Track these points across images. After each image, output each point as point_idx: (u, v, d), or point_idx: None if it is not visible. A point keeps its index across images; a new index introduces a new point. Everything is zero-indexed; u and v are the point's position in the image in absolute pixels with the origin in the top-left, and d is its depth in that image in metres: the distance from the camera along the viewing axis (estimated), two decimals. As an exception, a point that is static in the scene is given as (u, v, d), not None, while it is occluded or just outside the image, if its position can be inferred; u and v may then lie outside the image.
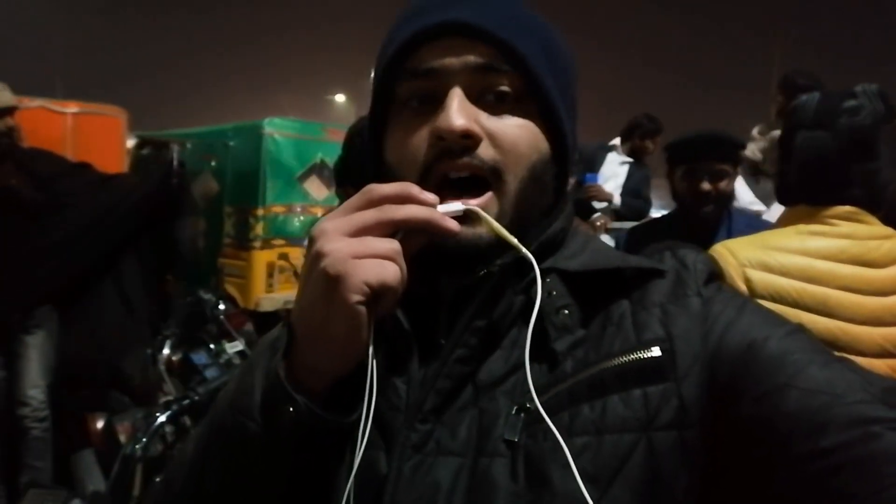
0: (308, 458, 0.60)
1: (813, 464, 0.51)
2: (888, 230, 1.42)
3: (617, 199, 4.30)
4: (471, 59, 0.64)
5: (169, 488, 0.71)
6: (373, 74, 0.75)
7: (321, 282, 0.56)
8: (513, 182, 0.65)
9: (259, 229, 5.41)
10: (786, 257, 1.38)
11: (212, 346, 2.98)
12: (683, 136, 2.42)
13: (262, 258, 5.43)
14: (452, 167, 0.64)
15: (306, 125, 5.93)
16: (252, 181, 5.45)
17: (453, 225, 0.60)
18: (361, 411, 0.58)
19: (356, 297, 0.55)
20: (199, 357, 2.88)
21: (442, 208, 0.61)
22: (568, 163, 0.72)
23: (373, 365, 0.59)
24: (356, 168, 1.76)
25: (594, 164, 4.75)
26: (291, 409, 0.57)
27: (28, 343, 3.07)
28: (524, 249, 0.62)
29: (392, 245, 0.58)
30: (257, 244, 5.41)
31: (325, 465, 0.61)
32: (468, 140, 0.63)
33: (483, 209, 0.63)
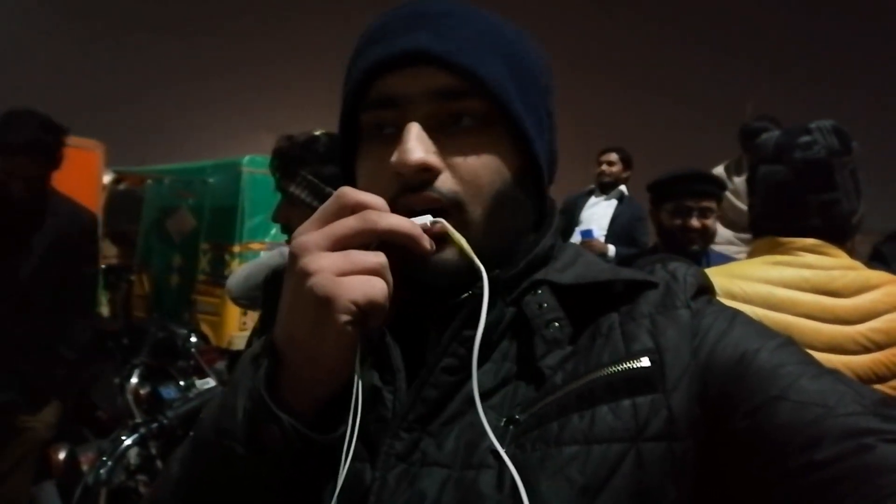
0: (294, 476, 0.58)
1: (807, 477, 0.51)
2: (853, 262, 1.47)
3: (611, 250, 4.05)
4: (432, 86, 0.63)
5: None
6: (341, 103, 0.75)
7: (308, 303, 0.54)
8: (477, 211, 0.64)
9: (235, 266, 5.38)
10: (749, 285, 1.42)
11: (181, 381, 2.90)
12: (672, 173, 2.46)
13: (236, 295, 5.36)
14: (414, 200, 0.63)
15: (285, 164, 5.93)
16: (230, 218, 5.42)
17: (430, 246, 0.60)
18: (347, 427, 0.57)
19: (345, 318, 0.53)
20: (168, 391, 2.80)
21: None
22: (544, 180, 0.72)
23: (359, 384, 0.57)
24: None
25: (575, 212, 4.62)
26: (277, 427, 0.55)
27: None
28: (477, 260, 0.60)
29: (378, 258, 0.56)
30: (232, 281, 5.36)
31: (311, 480, 0.60)
32: (426, 174, 0.62)
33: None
